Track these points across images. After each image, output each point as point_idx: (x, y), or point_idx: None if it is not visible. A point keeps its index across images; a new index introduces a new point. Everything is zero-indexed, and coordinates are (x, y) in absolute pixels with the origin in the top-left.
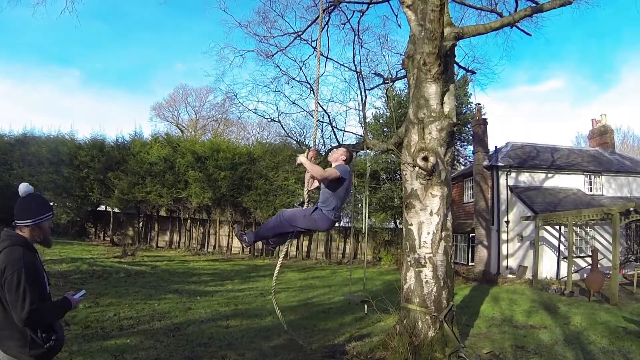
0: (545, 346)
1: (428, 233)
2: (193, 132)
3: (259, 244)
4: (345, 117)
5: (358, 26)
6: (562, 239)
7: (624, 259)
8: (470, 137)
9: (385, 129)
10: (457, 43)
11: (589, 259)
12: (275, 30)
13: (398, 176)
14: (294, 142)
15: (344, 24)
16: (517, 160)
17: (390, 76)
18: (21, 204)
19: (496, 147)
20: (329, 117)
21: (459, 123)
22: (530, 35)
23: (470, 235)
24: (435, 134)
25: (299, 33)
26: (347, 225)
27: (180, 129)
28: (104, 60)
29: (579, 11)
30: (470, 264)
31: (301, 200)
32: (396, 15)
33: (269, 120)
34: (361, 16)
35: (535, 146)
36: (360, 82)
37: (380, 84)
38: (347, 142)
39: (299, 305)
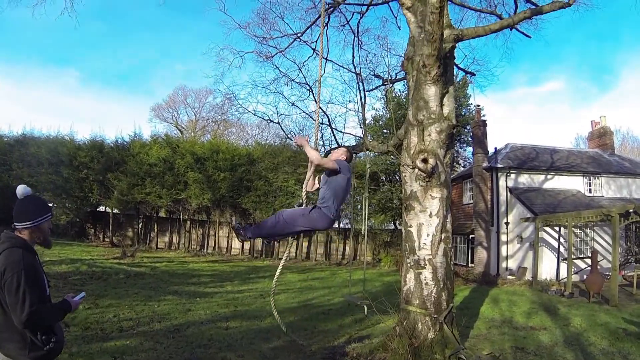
0: (545, 347)
1: (427, 235)
2: (192, 133)
3: (259, 245)
4: (345, 118)
5: (357, 28)
6: (562, 240)
7: (623, 260)
8: (470, 139)
9: (384, 130)
10: (457, 45)
11: (588, 261)
12: (274, 31)
13: (397, 177)
14: (293, 143)
15: (344, 26)
16: (517, 161)
17: (389, 78)
18: (19, 206)
19: (495, 148)
20: (329, 119)
21: (458, 125)
22: (530, 37)
23: (470, 236)
24: (434, 135)
25: (299, 34)
26: (346, 226)
27: (179, 130)
28: (103, 60)
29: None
30: (469, 265)
31: (300, 202)
32: (396, 17)
33: (269, 121)
34: (360, 18)
35: (535, 148)
36: (360, 83)
37: (379, 86)
38: (346, 144)
39: (298, 307)
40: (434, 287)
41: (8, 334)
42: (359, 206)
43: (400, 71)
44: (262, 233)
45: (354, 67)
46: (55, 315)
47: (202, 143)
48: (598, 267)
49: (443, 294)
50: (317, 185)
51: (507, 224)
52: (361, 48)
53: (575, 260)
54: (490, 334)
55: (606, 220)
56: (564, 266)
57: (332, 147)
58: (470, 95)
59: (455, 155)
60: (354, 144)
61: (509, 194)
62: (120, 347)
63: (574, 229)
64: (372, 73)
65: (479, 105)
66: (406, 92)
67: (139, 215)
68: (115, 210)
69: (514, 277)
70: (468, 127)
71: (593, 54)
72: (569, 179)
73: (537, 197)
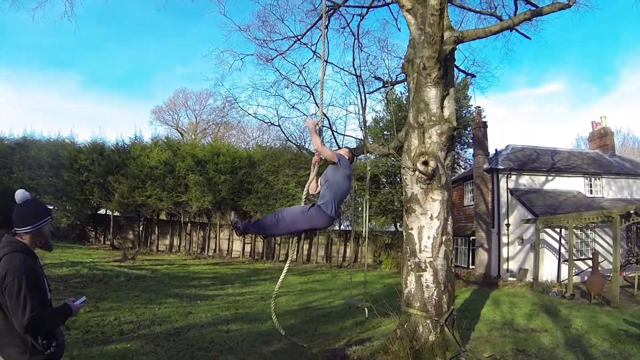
0: (547, 350)
1: (428, 237)
2: (193, 136)
3: (260, 248)
4: (345, 121)
5: (358, 30)
6: (563, 241)
7: (624, 262)
8: (470, 140)
9: (385, 133)
10: (457, 47)
11: (589, 262)
12: (274, 34)
13: (398, 180)
14: (294, 146)
15: (344, 28)
16: (517, 163)
17: (390, 80)
18: (19, 211)
19: (496, 150)
20: (329, 121)
21: (459, 127)
22: (530, 38)
23: (471, 238)
24: (435, 138)
25: (299, 37)
26: (347, 228)
27: (180, 133)
28: (104, 63)
29: (578, 14)
30: (470, 267)
31: (301, 204)
32: (396, 19)
33: (269, 124)
34: (361, 20)
35: (536, 149)
36: (360, 85)
37: (380, 88)
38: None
39: (299, 309)
40: (434, 290)
41: (9, 338)
42: (360, 208)
43: (400, 73)
44: (261, 230)
45: (355, 70)
46: (56, 319)
47: (203, 145)
48: (599, 268)
49: (444, 296)
50: (319, 188)
51: (508, 225)
52: (361, 50)
53: (576, 262)
54: (491, 336)
55: (607, 221)
56: (565, 267)
57: (333, 149)
58: (471, 96)
59: (456, 156)
60: (355, 146)
61: (509, 195)
62: (121, 350)
63: (574, 230)
64: (372, 75)
65: (479, 107)
66: (407, 94)
67: (139, 218)
68: (116, 213)
69: (515, 279)
70: (468, 129)
71: (593, 54)
72: (569, 180)
73: (537, 198)
